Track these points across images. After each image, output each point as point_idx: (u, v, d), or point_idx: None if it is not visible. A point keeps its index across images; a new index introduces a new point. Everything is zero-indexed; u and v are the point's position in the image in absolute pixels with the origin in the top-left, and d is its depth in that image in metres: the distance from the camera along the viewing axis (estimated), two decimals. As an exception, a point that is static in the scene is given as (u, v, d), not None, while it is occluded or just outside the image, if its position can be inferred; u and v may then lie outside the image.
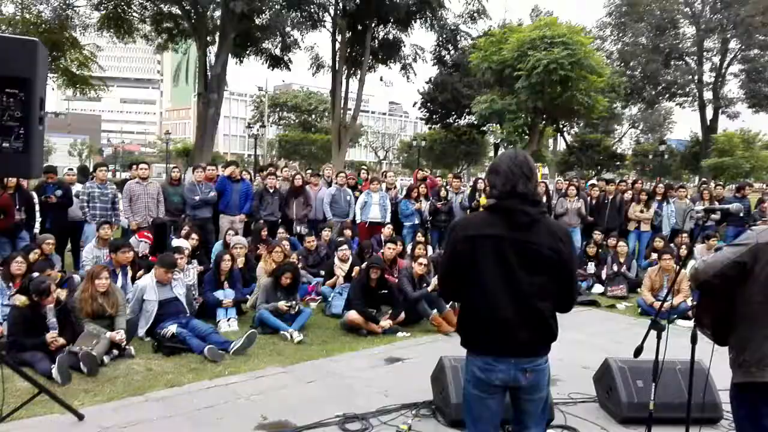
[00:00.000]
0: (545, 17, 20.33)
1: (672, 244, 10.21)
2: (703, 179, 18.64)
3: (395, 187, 11.23)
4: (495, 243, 2.44)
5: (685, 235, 10.75)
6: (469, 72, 22.01)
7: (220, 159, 44.64)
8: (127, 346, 5.50)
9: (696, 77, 34.69)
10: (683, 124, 62.63)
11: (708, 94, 34.98)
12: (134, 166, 9.79)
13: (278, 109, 55.35)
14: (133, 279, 6.84)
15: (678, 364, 4.41)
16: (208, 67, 21.38)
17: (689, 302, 8.10)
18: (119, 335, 5.39)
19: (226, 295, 6.84)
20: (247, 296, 7.41)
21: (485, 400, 2.54)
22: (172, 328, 5.76)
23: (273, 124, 56.55)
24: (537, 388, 2.55)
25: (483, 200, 10.63)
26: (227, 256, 7.09)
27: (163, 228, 8.96)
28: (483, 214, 2.59)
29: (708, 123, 34.84)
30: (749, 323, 2.60)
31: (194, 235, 8.07)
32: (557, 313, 2.58)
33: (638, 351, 3.45)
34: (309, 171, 12.54)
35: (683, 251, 9.50)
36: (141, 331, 5.97)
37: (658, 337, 3.32)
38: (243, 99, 78.75)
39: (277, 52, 24.81)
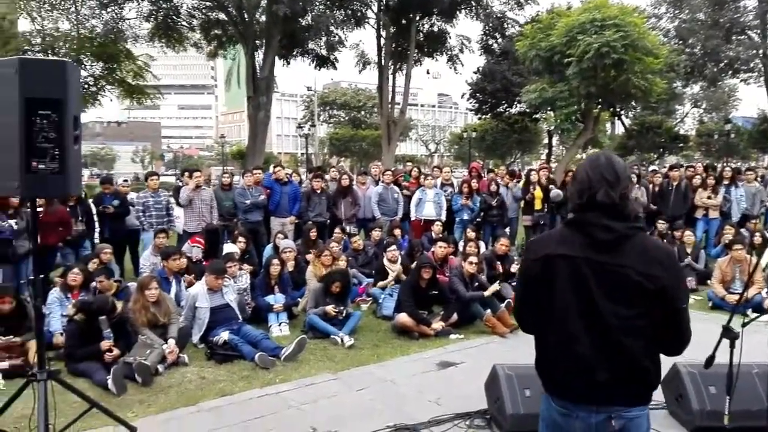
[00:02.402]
0: (595, -1, 19.46)
1: (743, 230, 9.60)
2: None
3: (452, 184, 10.99)
4: (571, 265, 2.00)
5: (756, 221, 10.10)
6: (518, 59, 21.37)
7: (274, 159, 45.51)
8: (181, 354, 5.56)
9: (761, 51, 32.61)
10: (749, 101, 58.82)
11: (775, 69, 32.89)
12: (186, 173, 9.99)
13: (328, 108, 55.76)
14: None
15: (755, 368, 4.07)
16: (256, 71, 21.66)
17: (764, 293, 7.58)
18: (169, 349, 5.43)
19: (276, 299, 6.84)
20: (298, 299, 7.40)
21: None
22: (224, 335, 5.79)
23: (323, 122, 57.04)
24: None
25: (538, 193, 10.29)
26: (276, 261, 7.10)
27: (216, 233, 9.10)
28: (560, 230, 2.16)
29: (777, 98, 32.80)
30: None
31: (241, 239, 8.12)
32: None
33: (709, 361, 3.17)
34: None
35: (756, 239, 8.93)
36: (195, 338, 6.04)
37: (732, 346, 3.04)
38: (294, 99, 79.86)
39: (323, 51, 24.88)
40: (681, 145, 37.78)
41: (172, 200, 9.49)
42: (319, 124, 54.54)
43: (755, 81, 34.47)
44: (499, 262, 7.98)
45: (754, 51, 32.59)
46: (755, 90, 36.23)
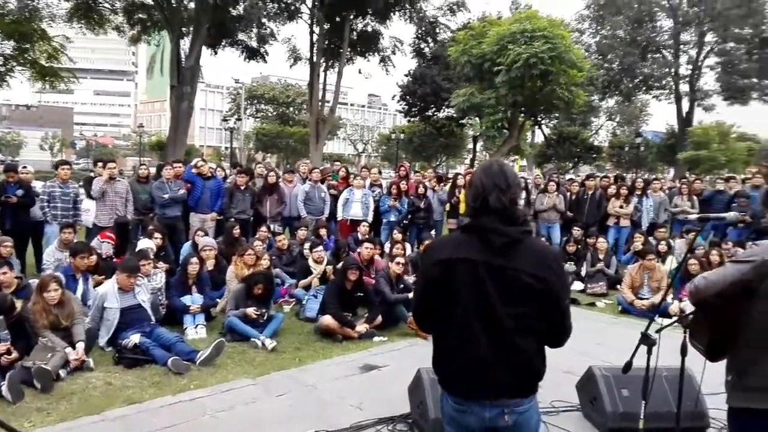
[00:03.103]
0: (525, 10, 20.08)
1: (651, 238, 10.13)
2: (685, 174, 18.64)
3: (380, 185, 10.97)
4: (470, 268, 2.10)
5: (663, 229, 10.68)
6: (449, 65, 21.75)
7: (196, 152, 43.94)
8: (85, 359, 5.17)
9: (672, 70, 34.95)
10: (659, 116, 63.01)
11: (684, 87, 35.32)
12: (99, 164, 9.42)
13: (255, 102, 54.56)
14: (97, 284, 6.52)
15: (664, 371, 4.23)
16: (181, 59, 20.82)
17: (670, 299, 8.01)
18: (75, 354, 5.03)
19: (193, 300, 6.52)
20: (217, 300, 7.11)
21: None
22: (134, 338, 5.43)
23: (250, 116, 55.75)
24: None
25: (463, 197, 10.44)
26: (195, 259, 6.77)
27: (127, 227, 8.62)
28: (457, 234, 2.23)
29: (684, 115, 35.15)
30: (753, 346, 2.40)
31: (157, 234, 7.73)
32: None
33: (627, 367, 3.26)
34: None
35: (662, 247, 9.44)
36: (102, 341, 5.63)
37: (649, 353, 3.13)
38: (220, 91, 77.64)
39: (253, 43, 24.31)
40: (594, 155, 39.76)
41: (82, 192, 8.90)
42: (246, 117, 53.24)
43: (666, 98, 36.90)
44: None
45: (667, 69, 34.86)
46: (665, 106, 38.74)
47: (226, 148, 57.52)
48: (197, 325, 6.36)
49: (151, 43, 27.67)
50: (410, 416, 4.27)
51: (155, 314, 6.00)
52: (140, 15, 22.35)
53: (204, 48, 21.59)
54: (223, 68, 49.15)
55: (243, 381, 5.03)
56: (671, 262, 9.18)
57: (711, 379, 2.98)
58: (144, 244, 7.61)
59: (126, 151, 66.08)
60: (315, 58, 24.78)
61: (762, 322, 2.36)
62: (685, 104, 35.37)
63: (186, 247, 8.32)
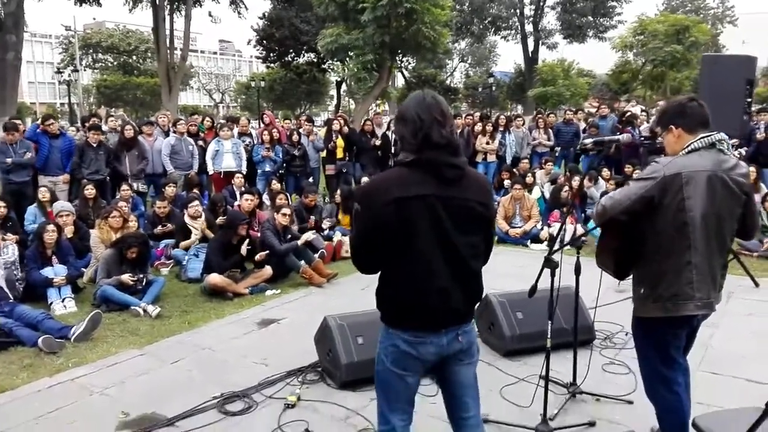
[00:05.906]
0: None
1: (515, 170, 10.74)
2: (540, 109, 19.78)
3: (250, 135, 10.46)
4: (426, 204, 2.06)
5: (525, 161, 11.37)
6: (307, 6, 20.92)
7: (27, 110, 39.08)
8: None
9: (518, 10, 36.74)
10: (507, 57, 66.27)
11: (529, 27, 37.34)
12: None
13: (91, 51, 49.03)
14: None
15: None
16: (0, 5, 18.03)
17: (539, 226, 8.62)
18: None
19: (56, 272, 5.82)
20: (83, 270, 6.43)
21: (406, 378, 2.20)
22: (-9, 321, 4.75)
23: (87, 67, 50.20)
24: (470, 352, 2.28)
25: (339, 142, 10.31)
26: (51, 227, 6.00)
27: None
28: (402, 171, 2.11)
29: (530, 54, 37.32)
30: (661, 257, 2.56)
31: (1, 203, 6.78)
32: None
33: (533, 291, 3.40)
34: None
35: (528, 179, 10.05)
36: (-50, 329, 4.87)
37: (552, 275, 3.28)
38: (48, 41, 68.96)
39: (84, -15, 21.67)
40: (452, 96, 41.15)
41: None
42: (83, 69, 47.88)
43: (513, 38, 38.83)
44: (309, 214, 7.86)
45: (513, 9, 36.53)
46: (512, 47, 40.94)
47: (63, 104, 51.75)
48: (64, 299, 5.70)
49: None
50: (319, 365, 4.18)
51: (12, 291, 5.31)
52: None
53: (26, -10, 18.78)
54: (49, 14, 43.16)
55: (130, 352, 4.62)
56: (536, 191, 9.85)
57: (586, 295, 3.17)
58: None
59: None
60: (158, 1, 22.64)
61: (665, 234, 2.53)
62: (531, 44, 37.50)
63: (31, 211, 7.39)
